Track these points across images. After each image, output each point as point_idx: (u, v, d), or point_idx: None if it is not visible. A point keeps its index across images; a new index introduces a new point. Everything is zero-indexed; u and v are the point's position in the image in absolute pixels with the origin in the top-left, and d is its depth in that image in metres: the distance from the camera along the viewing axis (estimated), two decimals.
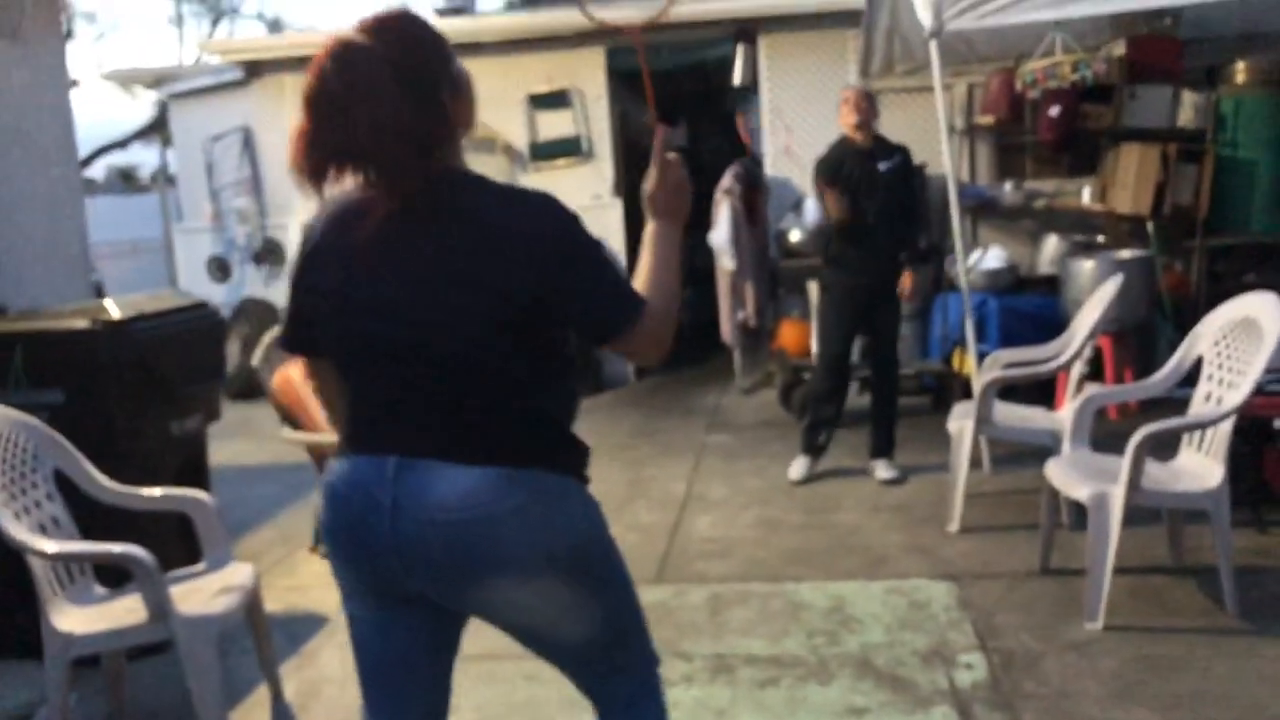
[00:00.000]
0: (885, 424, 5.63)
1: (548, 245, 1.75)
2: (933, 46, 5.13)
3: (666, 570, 4.41)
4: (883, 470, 5.50)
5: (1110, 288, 4.74)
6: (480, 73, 7.11)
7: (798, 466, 5.60)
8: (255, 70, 9.06)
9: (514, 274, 1.73)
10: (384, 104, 1.70)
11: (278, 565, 4.74)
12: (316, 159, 1.73)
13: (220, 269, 9.63)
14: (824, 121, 8.33)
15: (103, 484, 3.32)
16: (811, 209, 8.08)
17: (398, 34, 1.77)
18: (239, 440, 6.89)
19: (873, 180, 5.33)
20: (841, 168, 5.35)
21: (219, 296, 8.99)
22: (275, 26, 26.18)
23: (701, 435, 6.67)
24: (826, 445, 5.66)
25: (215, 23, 26.12)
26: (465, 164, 1.86)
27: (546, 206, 1.80)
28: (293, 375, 4.61)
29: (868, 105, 5.42)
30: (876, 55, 7.74)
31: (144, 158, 27.47)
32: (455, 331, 1.75)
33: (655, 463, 6.09)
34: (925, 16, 5.08)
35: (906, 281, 5.43)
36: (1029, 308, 6.80)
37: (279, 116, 9.06)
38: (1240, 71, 7.13)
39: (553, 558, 1.79)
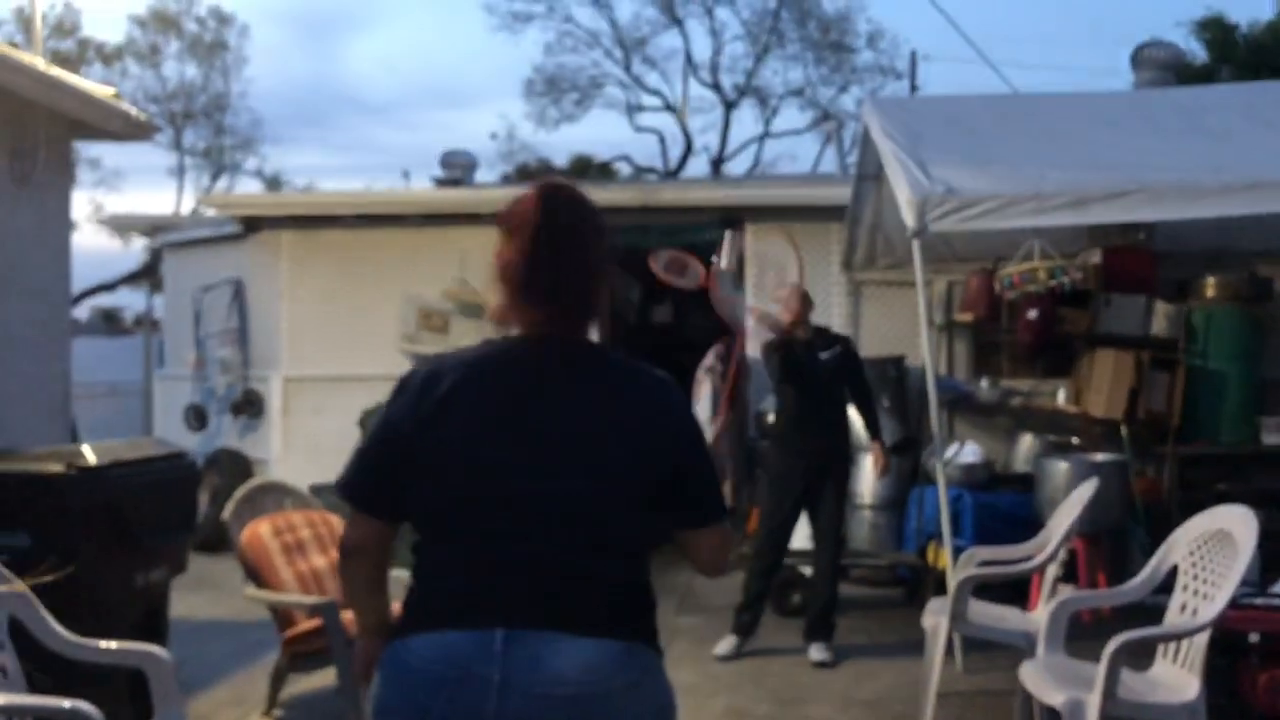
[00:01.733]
0: (823, 605, 5.69)
1: (684, 423, 1.87)
2: (915, 246, 5.30)
3: None
4: (816, 653, 5.54)
5: (1087, 490, 4.78)
6: (474, 241, 7.35)
7: (725, 644, 5.67)
8: (253, 225, 9.25)
9: (659, 446, 1.80)
10: (589, 249, 1.86)
11: None
12: (533, 286, 1.82)
13: (197, 417, 9.60)
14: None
15: (58, 634, 3.23)
16: None
17: (587, 200, 1.93)
18: (200, 594, 6.72)
19: (814, 369, 5.64)
20: (786, 358, 5.70)
21: (193, 445, 8.93)
22: (274, 184, 26.86)
23: (672, 617, 6.56)
24: (755, 625, 5.77)
25: (215, 177, 26.79)
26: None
27: (672, 385, 1.91)
28: (262, 531, 4.56)
29: (800, 304, 5.78)
30: (859, 248, 8.00)
31: (130, 301, 27.68)
32: (604, 496, 1.77)
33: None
34: (909, 217, 5.25)
35: (877, 454, 5.85)
36: (1004, 505, 6.82)
37: (273, 271, 9.21)
38: (1210, 286, 7.39)
39: None
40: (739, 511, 7.97)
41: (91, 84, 5.01)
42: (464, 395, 1.81)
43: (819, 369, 5.67)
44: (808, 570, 6.82)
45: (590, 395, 1.83)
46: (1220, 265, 7.43)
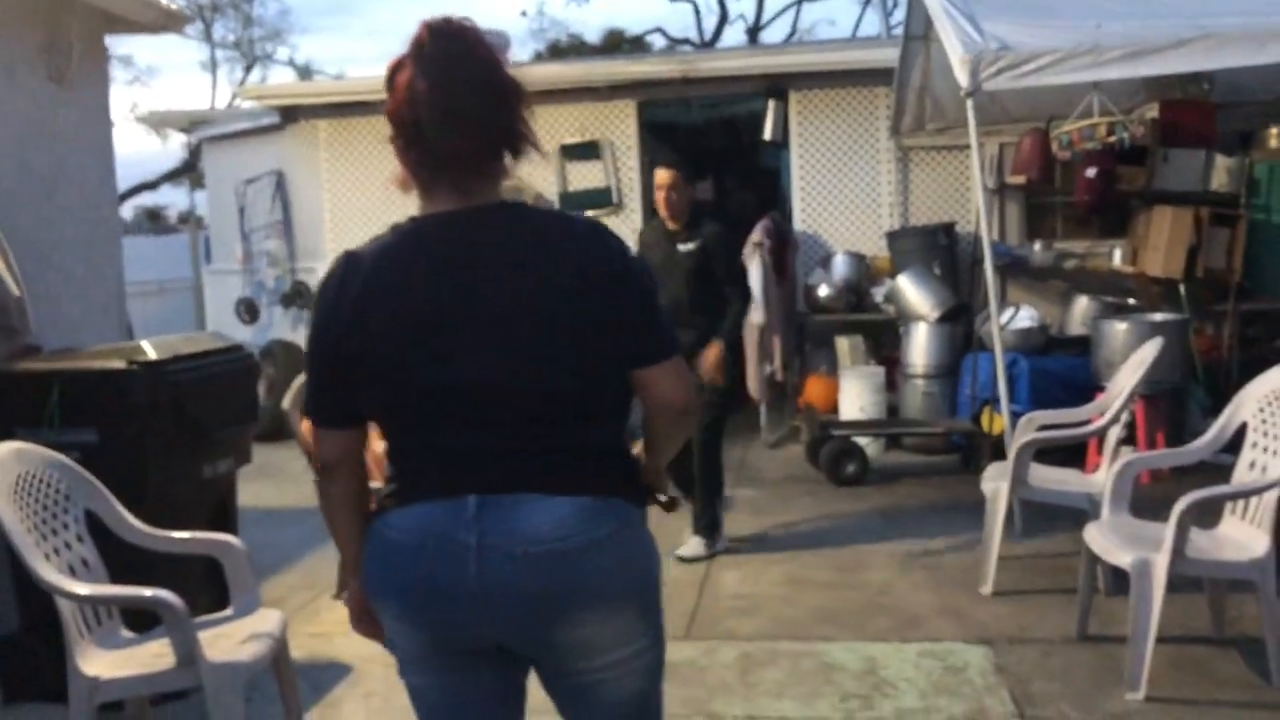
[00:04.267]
0: (697, 500, 5.25)
1: (619, 265, 1.76)
2: (969, 106, 5.14)
3: (695, 627, 4.34)
4: (684, 548, 5.21)
5: (1149, 351, 4.70)
6: None
7: (690, 547, 5.24)
8: (290, 116, 9.17)
9: (596, 292, 1.71)
10: (486, 86, 1.70)
11: (301, 611, 4.70)
12: (425, 142, 1.70)
13: (248, 311, 9.68)
14: (856, 178, 8.37)
15: (134, 526, 3.30)
16: (841, 264, 8.09)
17: (476, 30, 1.75)
18: (264, 483, 6.86)
19: (673, 262, 5.14)
20: (643, 250, 5.26)
21: (247, 338, 9.01)
22: (306, 73, 26.59)
23: (729, 489, 6.61)
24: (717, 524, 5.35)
25: (248, 69, 26.55)
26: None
27: (601, 231, 1.80)
28: None
29: (674, 196, 5.20)
30: (907, 113, 7.80)
31: (172, 199, 27.80)
32: (551, 365, 1.71)
33: (680, 516, 6.02)
34: (962, 76, 5.09)
35: (709, 354, 5.02)
36: (1059, 368, 6.75)
37: (312, 161, 9.15)
38: (1274, 137, 7.14)
39: (643, 587, 1.80)
40: (789, 384, 7.96)
41: None
42: (381, 291, 1.72)
43: (676, 261, 5.13)
44: (862, 440, 6.84)
45: (517, 260, 1.71)
46: None
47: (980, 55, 5.04)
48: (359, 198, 8.97)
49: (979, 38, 5.16)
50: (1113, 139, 6.17)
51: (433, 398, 1.73)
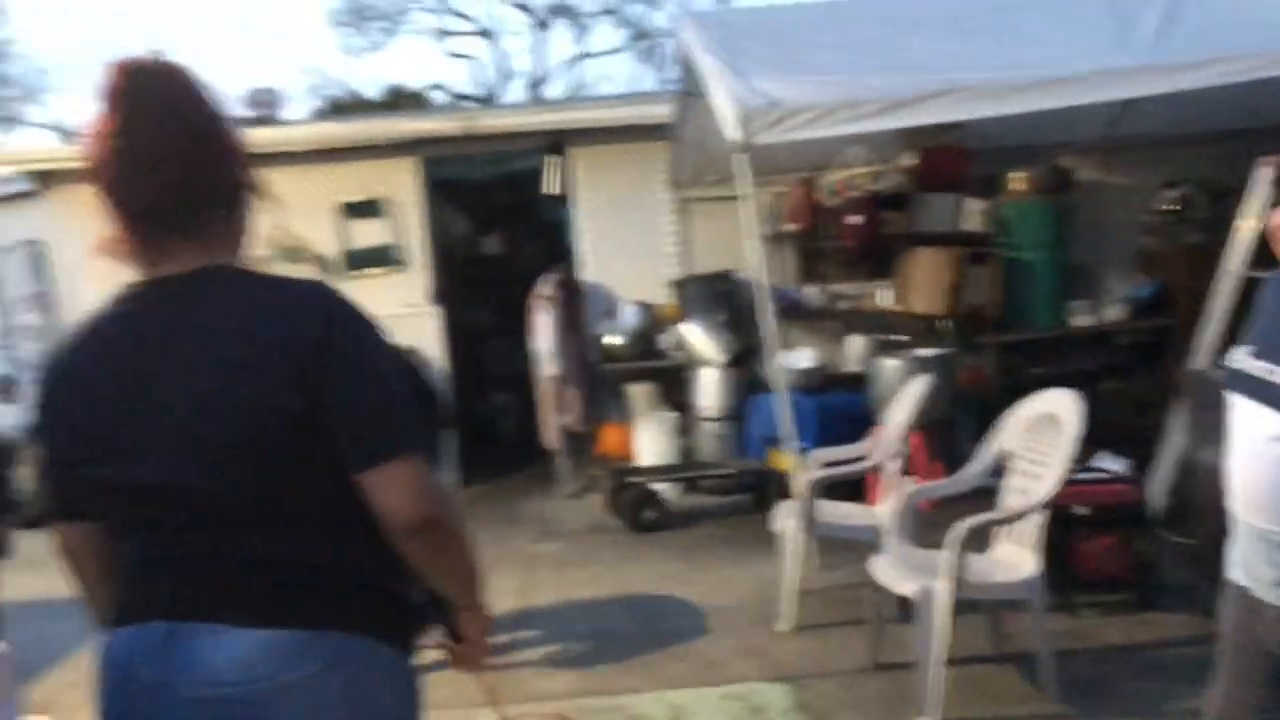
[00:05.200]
0: None
1: (316, 337, 1.46)
2: (741, 160, 5.34)
3: (500, 690, 4.28)
4: None
5: (921, 384, 4.97)
6: (289, 182, 7.04)
7: None
8: (48, 180, 8.65)
9: (278, 380, 1.44)
10: (194, 137, 1.52)
11: (75, 712, 4.38)
12: (119, 198, 1.52)
13: (6, 389, 9.03)
14: (639, 229, 8.55)
15: None
16: (629, 313, 8.23)
17: (182, 73, 1.56)
18: (32, 573, 6.37)
19: None
20: None
21: (7, 418, 8.40)
22: (67, 135, 25.18)
23: (530, 544, 6.59)
24: None
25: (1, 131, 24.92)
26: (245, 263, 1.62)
27: (316, 294, 1.53)
28: None
29: None
30: (685, 166, 8.03)
31: None
32: (243, 464, 1.45)
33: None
34: (733, 131, 5.29)
35: None
36: (838, 405, 7.04)
37: (74, 228, 8.65)
38: (1017, 180, 7.71)
39: None
40: (586, 434, 8.01)
41: None
42: (65, 377, 1.57)
43: None
44: (660, 486, 6.95)
45: (209, 337, 1.48)
46: (1026, 160, 7.75)
47: (749, 111, 5.25)
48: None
49: (748, 95, 5.38)
50: (875, 187, 6.53)
51: (120, 499, 1.53)
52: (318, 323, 1.48)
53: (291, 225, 8.47)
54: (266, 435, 1.45)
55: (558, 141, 8.51)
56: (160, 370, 1.49)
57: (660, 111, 7.92)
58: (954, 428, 7.05)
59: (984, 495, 4.51)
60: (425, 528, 1.49)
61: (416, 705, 1.61)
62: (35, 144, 20.08)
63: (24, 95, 25.03)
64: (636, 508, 6.64)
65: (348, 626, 1.50)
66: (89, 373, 1.55)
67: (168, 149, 1.50)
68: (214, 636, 1.45)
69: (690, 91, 7.26)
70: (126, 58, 1.53)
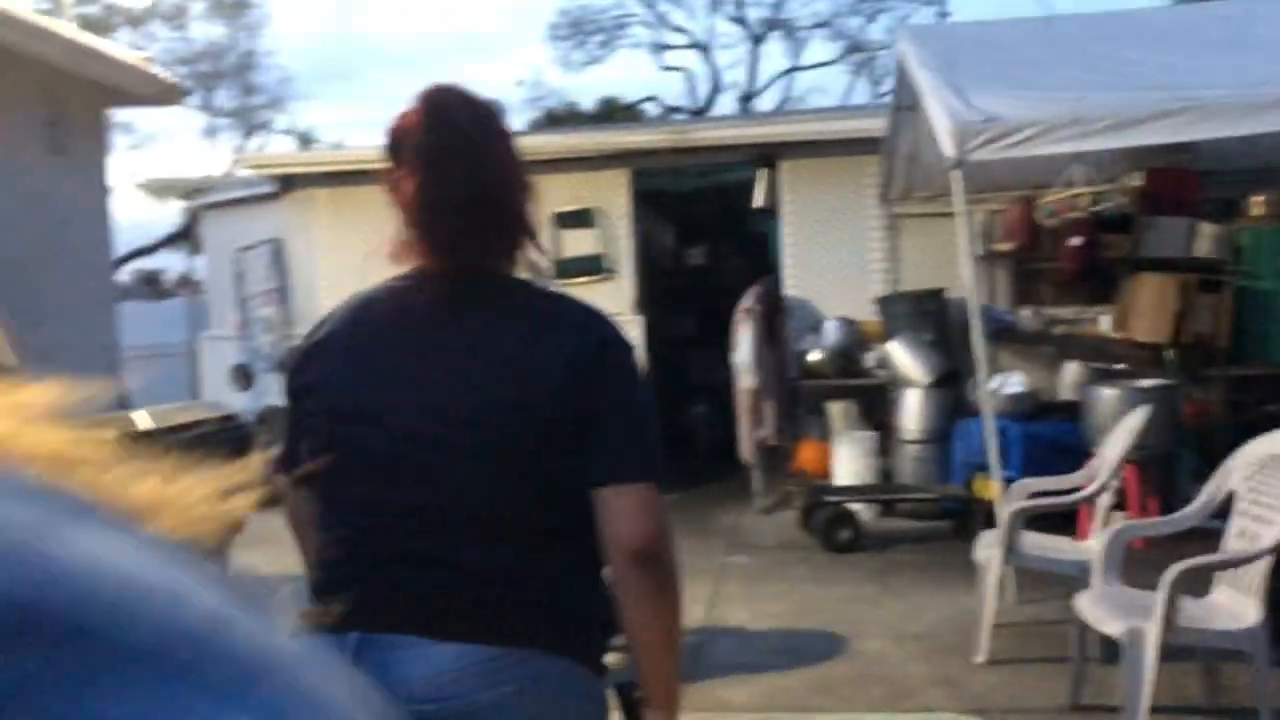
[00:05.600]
0: None
1: (605, 360, 1.52)
2: (955, 176, 5.23)
3: (688, 698, 4.31)
4: None
5: (1137, 417, 4.74)
6: None
7: None
8: (288, 184, 9.26)
9: (552, 383, 1.47)
10: (489, 159, 1.56)
11: None
12: (421, 210, 1.55)
13: (244, 377, 9.71)
14: (846, 244, 8.46)
15: None
16: (831, 329, 8.15)
17: (487, 106, 1.62)
18: (260, 550, 6.84)
19: None
20: None
21: (241, 404, 9.04)
22: (306, 141, 26.85)
23: (721, 556, 6.61)
24: None
25: (248, 136, 26.80)
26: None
27: (594, 314, 1.59)
28: None
29: None
30: (896, 181, 7.90)
31: (170, 263, 27.91)
32: (486, 458, 1.47)
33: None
34: (948, 147, 5.18)
35: None
36: (1050, 434, 6.78)
37: (310, 229, 9.24)
38: (1258, 204, 7.24)
39: None
40: (782, 449, 7.97)
41: (122, 49, 5.00)
42: (335, 341, 1.61)
43: None
44: (855, 506, 6.85)
45: (485, 334, 1.53)
46: (1267, 183, 7.27)
47: (966, 127, 5.13)
48: (355, 264, 9.00)
49: (965, 110, 5.26)
50: (1096, 208, 6.26)
51: (362, 466, 1.52)
52: (595, 339, 1.54)
53: None
54: (528, 435, 1.48)
55: (768, 154, 8.52)
56: (438, 352, 1.54)
57: (873, 125, 7.83)
58: (1174, 464, 6.68)
59: (1202, 537, 4.26)
60: (650, 557, 1.49)
61: None
62: (277, 149, 21.50)
63: (270, 103, 26.86)
64: (831, 527, 6.57)
65: (548, 646, 1.46)
66: (363, 337, 1.59)
67: (475, 189, 1.55)
68: (411, 650, 1.41)
69: (905, 105, 7.15)
70: (435, 86, 1.60)
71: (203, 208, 10.50)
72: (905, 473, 7.46)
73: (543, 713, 1.44)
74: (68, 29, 4.69)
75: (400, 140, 1.58)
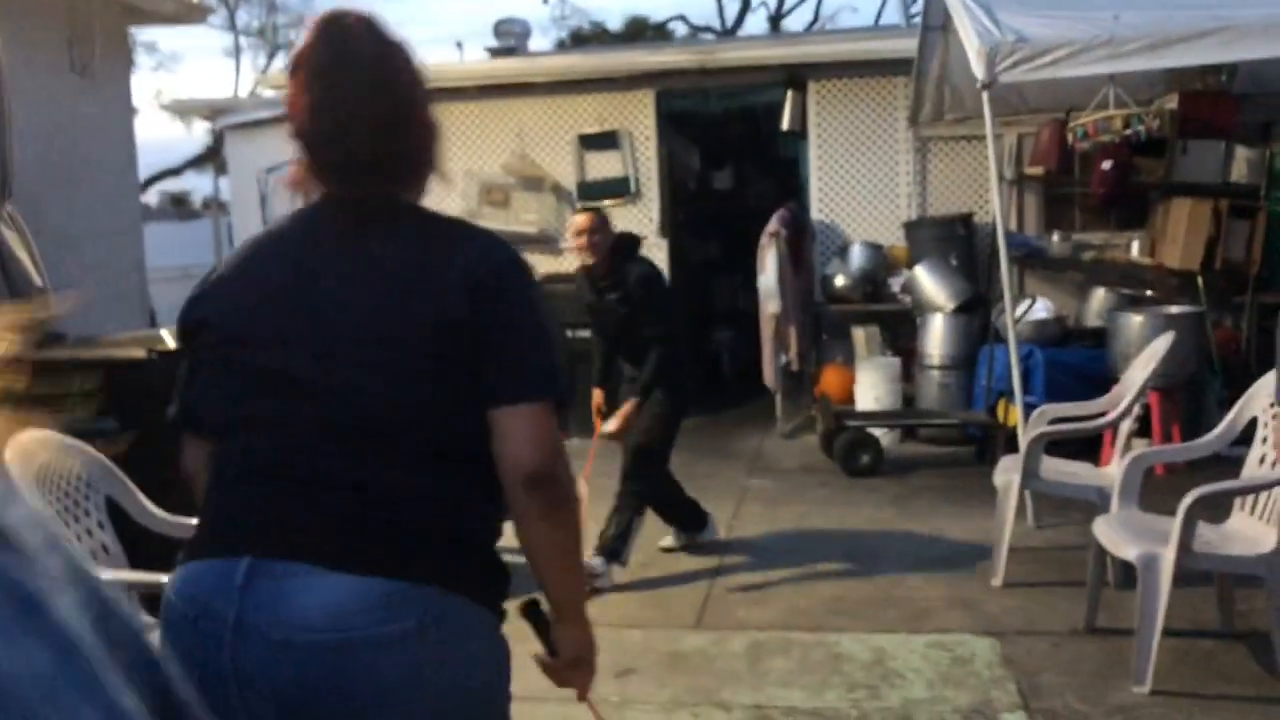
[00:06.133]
0: (613, 531, 4.79)
1: (490, 270, 1.51)
2: (985, 98, 5.14)
3: (706, 616, 4.39)
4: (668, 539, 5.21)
5: (1162, 344, 4.70)
6: (531, 112, 7.25)
7: (669, 538, 5.23)
8: None
9: (451, 295, 1.47)
10: (386, 86, 1.54)
11: None
12: (315, 135, 1.53)
13: None
14: (874, 168, 8.36)
15: (154, 513, 3.36)
16: (857, 254, 8.09)
17: (392, 34, 1.59)
18: None
19: (601, 307, 4.99)
20: (583, 300, 5.09)
21: None
22: None
23: (743, 479, 6.66)
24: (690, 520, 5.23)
25: (271, 56, 26.65)
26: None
27: (493, 238, 1.59)
28: None
29: (591, 236, 4.84)
30: (926, 103, 7.78)
31: (196, 184, 27.97)
32: (388, 380, 1.46)
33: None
34: (979, 68, 5.09)
35: (618, 416, 4.86)
36: (1075, 360, 6.75)
37: None
38: None
39: (440, 711, 1.43)
40: (805, 374, 7.97)
41: None
42: (229, 275, 1.58)
43: (606, 307, 4.93)
44: (877, 431, 6.86)
45: (385, 254, 1.51)
46: None
47: (997, 47, 5.04)
48: None
49: (995, 30, 5.16)
50: (1129, 131, 6.15)
51: (261, 390, 1.50)
52: (494, 259, 1.54)
53: (532, 154, 8.74)
54: (432, 352, 1.47)
55: (797, 76, 8.39)
56: (336, 271, 1.52)
57: (903, 46, 7.70)
58: (1202, 391, 6.64)
59: (1227, 464, 4.25)
60: (542, 479, 1.47)
61: (506, 672, 1.54)
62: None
63: (294, 22, 26.63)
64: (852, 451, 6.59)
65: (447, 583, 1.42)
66: (262, 265, 1.58)
67: (367, 110, 1.52)
68: (306, 578, 1.37)
69: (935, 25, 7.02)
70: (334, 9, 1.58)
71: (227, 129, 10.48)
72: (929, 398, 7.45)
73: (441, 649, 1.40)
74: None
75: (298, 61, 1.56)
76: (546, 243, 8.70)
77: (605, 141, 8.74)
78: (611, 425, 4.91)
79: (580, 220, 4.93)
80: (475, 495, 1.49)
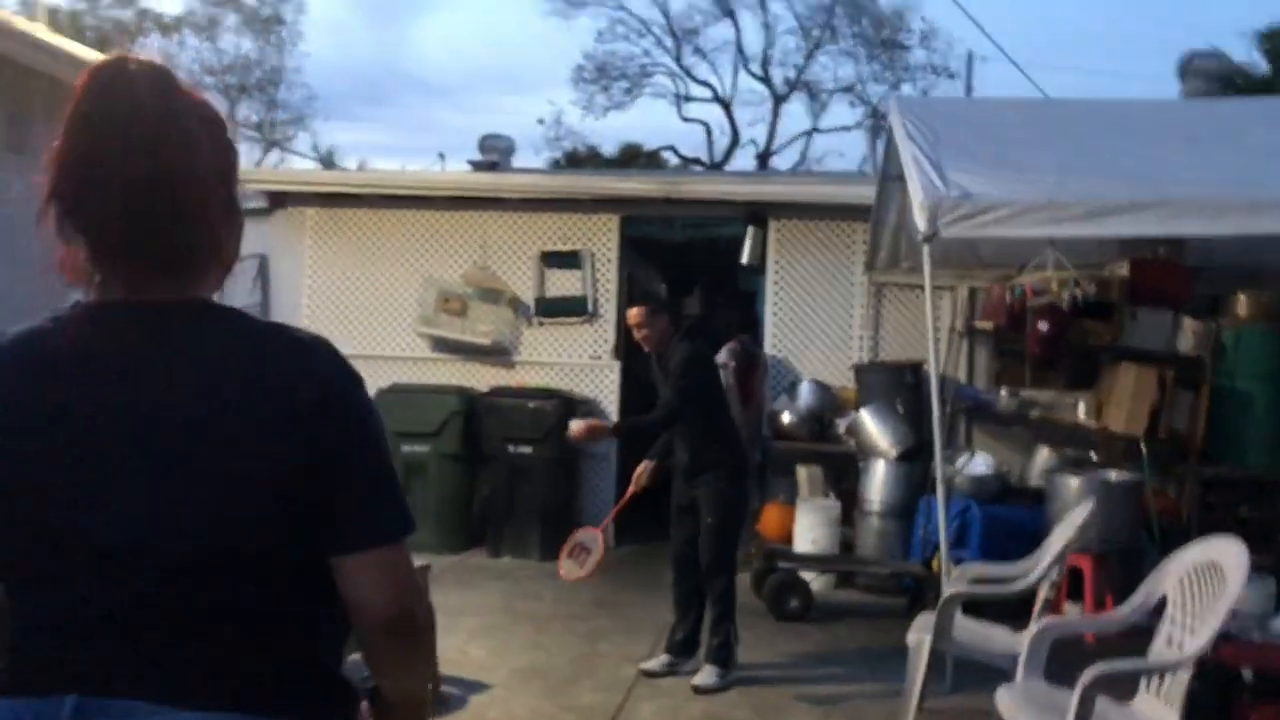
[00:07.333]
0: (711, 627, 5.21)
1: (325, 389, 1.29)
2: (925, 250, 5.16)
3: None
4: (698, 676, 5.15)
5: (1082, 512, 4.63)
6: (497, 226, 7.35)
7: (655, 661, 5.34)
8: (279, 200, 9.24)
9: (283, 427, 1.25)
10: (180, 152, 1.28)
11: None
12: (82, 211, 1.27)
13: None
14: (829, 309, 8.40)
15: None
16: (806, 392, 8.06)
17: (186, 85, 1.34)
18: None
19: (657, 387, 5.43)
20: (653, 379, 5.48)
21: None
22: (327, 160, 27.01)
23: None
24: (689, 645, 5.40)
25: (266, 151, 26.99)
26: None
27: (323, 346, 1.34)
28: None
29: (639, 331, 5.33)
30: (882, 250, 7.85)
31: None
32: (195, 518, 1.24)
33: (611, 638, 5.89)
34: (921, 221, 5.11)
35: (590, 424, 5.62)
36: (1014, 518, 6.65)
37: (296, 248, 9.21)
38: (1242, 304, 7.16)
39: None
40: (748, 512, 7.84)
41: (89, 51, 4.97)
42: (6, 396, 1.29)
43: (658, 387, 5.37)
44: (807, 575, 6.72)
45: (201, 376, 1.26)
46: (1254, 282, 7.19)
47: (940, 202, 5.07)
48: (340, 286, 9.00)
49: (941, 185, 5.20)
50: (1067, 295, 6.19)
51: (43, 542, 1.27)
52: (327, 374, 1.31)
53: (493, 267, 8.76)
54: (264, 485, 1.25)
55: (759, 213, 8.49)
56: (128, 403, 1.26)
57: (863, 193, 7.80)
58: (1140, 559, 6.54)
59: (1150, 637, 4.13)
60: (405, 624, 1.34)
61: None
62: (285, 167, 21.52)
63: (292, 119, 27.08)
64: (781, 594, 6.44)
65: (302, 713, 1.31)
66: (22, 396, 1.29)
67: (140, 172, 1.26)
68: (136, 716, 1.22)
69: (894, 176, 7.11)
70: (105, 59, 1.32)
71: None
72: (868, 545, 7.33)
73: None
74: (37, 29, 4.67)
75: (67, 111, 1.28)
76: (499, 354, 8.67)
77: (567, 260, 8.78)
78: (638, 480, 5.53)
79: (631, 315, 5.37)
80: (327, 624, 1.35)
